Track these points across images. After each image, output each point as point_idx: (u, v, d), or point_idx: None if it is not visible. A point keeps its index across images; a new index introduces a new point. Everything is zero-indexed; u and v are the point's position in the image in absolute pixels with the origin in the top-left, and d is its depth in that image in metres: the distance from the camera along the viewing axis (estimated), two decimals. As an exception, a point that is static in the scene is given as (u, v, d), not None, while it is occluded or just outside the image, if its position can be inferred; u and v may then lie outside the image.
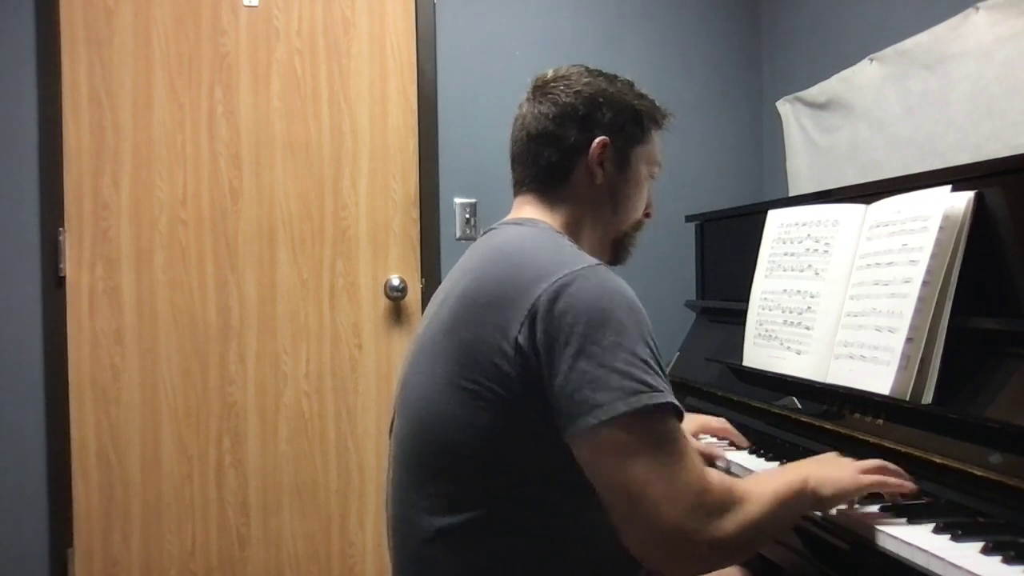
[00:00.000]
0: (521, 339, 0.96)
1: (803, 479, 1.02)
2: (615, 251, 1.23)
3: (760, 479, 1.05)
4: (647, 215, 1.25)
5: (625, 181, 1.18)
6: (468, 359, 1.00)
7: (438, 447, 1.02)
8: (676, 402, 0.95)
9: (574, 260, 1.01)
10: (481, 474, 1.01)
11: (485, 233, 1.18)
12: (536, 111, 1.16)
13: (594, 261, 1.02)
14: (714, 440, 1.58)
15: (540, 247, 1.05)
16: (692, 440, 0.98)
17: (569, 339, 0.94)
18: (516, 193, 1.21)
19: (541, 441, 0.97)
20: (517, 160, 1.20)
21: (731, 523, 0.93)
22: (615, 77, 1.21)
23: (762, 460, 1.45)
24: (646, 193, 1.23)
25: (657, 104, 1.23)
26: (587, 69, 1.20)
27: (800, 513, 1.05)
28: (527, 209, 1.18)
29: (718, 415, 1.82)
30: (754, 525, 0.94)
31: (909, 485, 1.11)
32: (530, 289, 0.97)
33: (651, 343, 0.97)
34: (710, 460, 1.47)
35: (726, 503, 0.93)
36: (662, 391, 0.93)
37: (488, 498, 1.01)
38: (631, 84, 1.22)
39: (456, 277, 1.12)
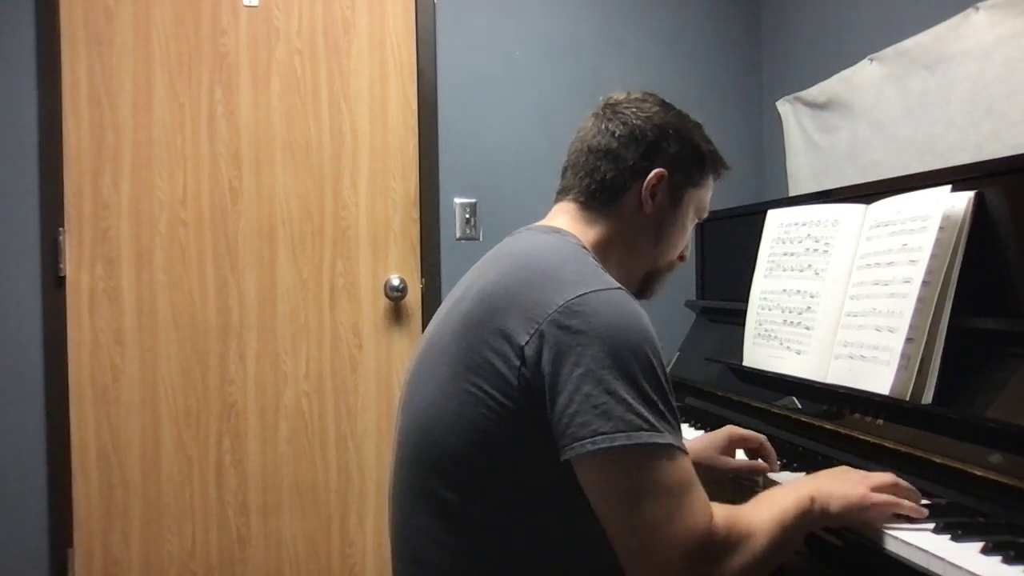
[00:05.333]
0: (528, 350, 0.94)
1: (809, 497, 1.01)
2: (644, 285, 1.21)
3: (763, 503, 1.02)
4: (681, 258, 1.23)
5: (673, 218, 1.17)
6: (473, 362, 0.98)
7: (438, 450, 1.01)
8: (677, 444, 0.93)
9: (596, 279, 0.99)
10: (478, 480, 0.99)
11: (511, 236, 1.16)
12: (603, 127, 1.15)
13: (616, 283, 1.00)
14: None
15: (564, 260, 1.03)
16: (694, 473, 0.95)
17: (580, 359, 0.92)
18: (557, 200, 1.19)
19: (538, 452, 0.95)
20: (570, 168, 1.18)
21: (737, 562, 0.92)
22: (686, 115, 1.19)
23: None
24: (688, 236, 1.22)
25: (719, 154, 1.21)
26: (661, 100, 1.18)
27: (806, 532, 1.03)
28: (562, 218, 1.15)
29: (718, 415, 1.83)
30: (759, 559, 0.94)
31: (921, 511, 1.04)
32: (546, 300, 0.95)
33: (661, 377, 0.95)
34: (753, 478, 1.35)
35: (731, 542, 0.92)
36: (662, 431, 0.91)
37: (485, 505, 0.99)
38: (700, 127, 1.20)
39: (473, 277, 1.10)
